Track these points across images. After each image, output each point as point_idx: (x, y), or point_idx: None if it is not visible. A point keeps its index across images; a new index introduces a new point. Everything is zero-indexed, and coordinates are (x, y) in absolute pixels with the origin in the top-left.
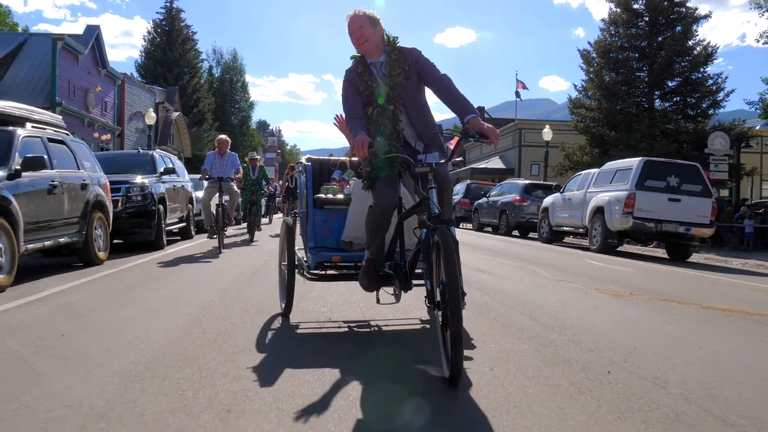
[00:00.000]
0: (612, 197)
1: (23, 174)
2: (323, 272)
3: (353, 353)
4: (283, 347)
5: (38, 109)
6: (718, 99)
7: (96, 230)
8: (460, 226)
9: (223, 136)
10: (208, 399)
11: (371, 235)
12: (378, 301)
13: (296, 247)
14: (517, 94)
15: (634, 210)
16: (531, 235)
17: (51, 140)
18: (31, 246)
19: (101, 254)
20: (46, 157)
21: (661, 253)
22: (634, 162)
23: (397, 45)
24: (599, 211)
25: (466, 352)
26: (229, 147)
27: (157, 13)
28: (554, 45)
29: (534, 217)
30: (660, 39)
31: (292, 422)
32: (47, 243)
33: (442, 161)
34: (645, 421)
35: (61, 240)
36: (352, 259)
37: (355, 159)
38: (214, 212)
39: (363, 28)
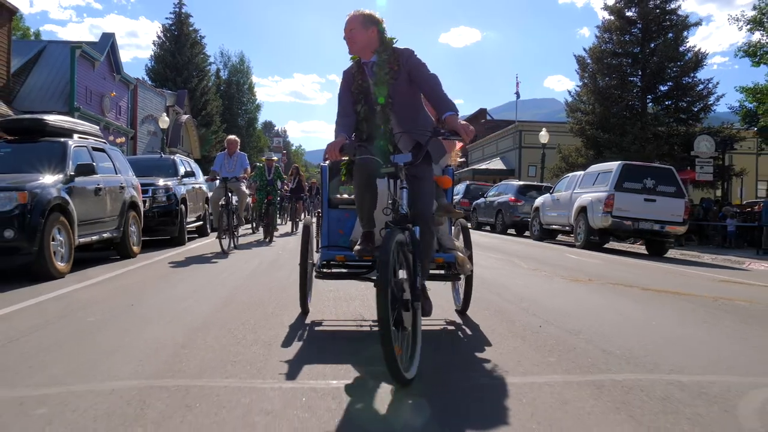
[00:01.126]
0: (594, 198)
1: (76, 179)
2: (329, 270)
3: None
4: (305, 315)
5: (81, 121)
6: (709, 103)
7: (131, 227)
8: None
9: (233, 137)
10: (254, 339)
11: (358, 206)
12: None
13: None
14: (518, 95)
15: (613, 209)
16: (526, 233)
17: (94, 149)
18: (82, 240)
19: (135, 248)
20: (96, 163)
21: (643, 249)
22: (613, 165)
23: (391, 45)
24: (583, 210)
25: (444, 320)
26: (238, 147)
27: (166, 18)
28: (559, 44)
29: (528, 216)
30: (652, 45)
31: (316, 352)
32: (94, 237)
33: (411, 161)
34: (556, 353)
35: (105, 235)
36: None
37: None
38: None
39: (353, 30)
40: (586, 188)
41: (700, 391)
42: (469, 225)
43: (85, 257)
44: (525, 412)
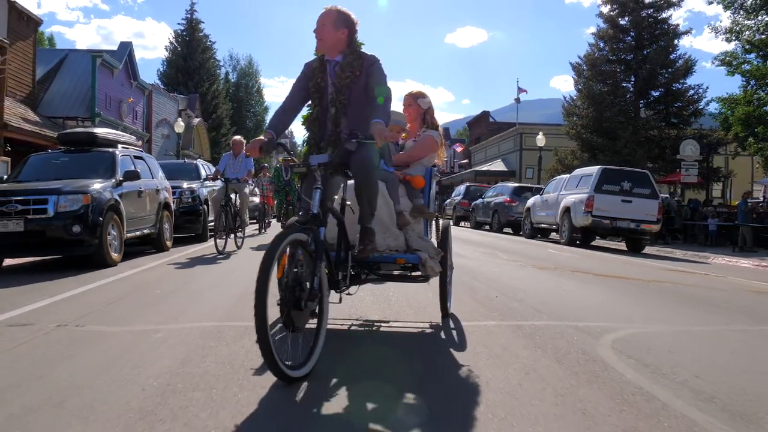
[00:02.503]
0: (576, 199)
1: (124, 183)
2: None
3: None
4: None
5: (122, 133)
6: (699, 107)
7: (165, 224)
8: (460, 224)
9: (238, 137)
10: None
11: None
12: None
13: None
14: (518, 100)
15: (593, 209)
16: (521, 232)
17: (135, 156)
18: (129, 234)
19: (168, 243)
20: (138, 170)
21: (623, 246)
22: (594, 169)
23: (358, 50)
24: (567, 210)
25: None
26: (243, 147)
27: (178, 24)
28: (566, 44)
29: (522, 215)
30: (645, 52)
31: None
32: (137, 233)
33: (326, 162)
34: (499, 311)
35: (145, 231)
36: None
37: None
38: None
39: (324, 27)
40: (571, 190)
41: (586, 331)
42: (450, 224)
43: (127, 250)
44: (468, 338)
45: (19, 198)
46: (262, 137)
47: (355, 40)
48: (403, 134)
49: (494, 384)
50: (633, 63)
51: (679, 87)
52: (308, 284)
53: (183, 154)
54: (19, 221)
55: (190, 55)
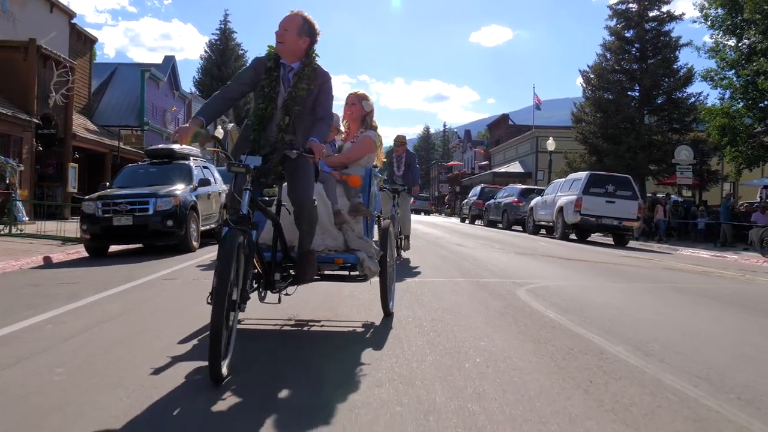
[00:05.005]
0: (568, 200)
1: (199, 188)
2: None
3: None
4: None
5: (192, 148)
6: (700, 114)
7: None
8: (475, 222)
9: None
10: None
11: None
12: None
13: None
14: (536, 106)
15: (581, 209)
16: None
17: (204, 167)
18: (203, 228)
19: None
20: (209, 178)
21: (611, 241)
22: (583, 174)
23: (314, 62)
24: (561, 209)
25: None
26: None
27: (212, 34)
28: (592, 42)
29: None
30: (650, 62)
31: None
32: (206, 228)
33: (260, 165)
34: (463, 274)
35: (212, 225)
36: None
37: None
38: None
39: (287, 31)
40: (565, 192)
41: (513, 284)
42: (390, 225)
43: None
44: (443, 287)
45: (128, 200)
46: (191, 125)
47: (314, 50)
48: (342, 135)
49: (452, 307)
50: (637, 73)
51: (681, 95)
52: (240, 287)
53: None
54: (129, 217)
55: (224, 63)
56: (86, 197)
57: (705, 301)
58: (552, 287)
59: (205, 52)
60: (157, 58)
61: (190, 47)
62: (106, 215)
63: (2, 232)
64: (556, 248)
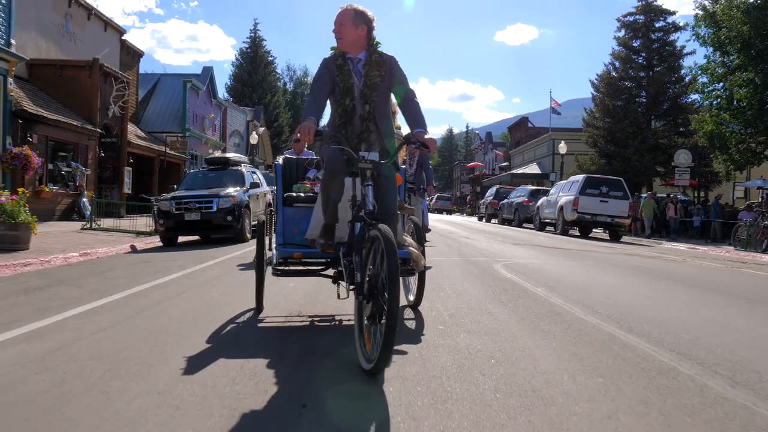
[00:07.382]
0: (567, 200)
1: (250, 190)
2: (285, 268)
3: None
4: None
5: (242, 155)
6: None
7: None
8: (491, 221)
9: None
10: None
11: (324, 200)
12: (339, 296)
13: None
14: (553, 110)
15: (578, 208)
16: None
17: (252, 172)
18: (253, 223)
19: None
20: (257, 181)
21: (607, 236)
22: (580, 177)
23: (379, 49)
24: (562, 208)
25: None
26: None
27: (243, 42)
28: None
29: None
30: (656, 69)
31: None
32: (255, 222)
33: (383, 161)
34: (463, 255)
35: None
36: (315, 255)
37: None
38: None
39: (343, 26)
40: (566, 192)
41: (493, 261)
42: (419, 222)
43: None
44: (442, 265)
45: (196, 200)
46: (311, 124)
47: (374, 37)
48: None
49: (444, 272)
50: (644, 80)
51: (685, 101)
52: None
53: (250, 160)
54: (198, 213)
55: (254, 70)
56: (160, 198)
57: (631, 271)
58: (521, 263)
59: (236, 59)
60: (184, 60)
61: (216, 49)
62: (179, 212)
63: (85, 227)
64: (550, 241)
